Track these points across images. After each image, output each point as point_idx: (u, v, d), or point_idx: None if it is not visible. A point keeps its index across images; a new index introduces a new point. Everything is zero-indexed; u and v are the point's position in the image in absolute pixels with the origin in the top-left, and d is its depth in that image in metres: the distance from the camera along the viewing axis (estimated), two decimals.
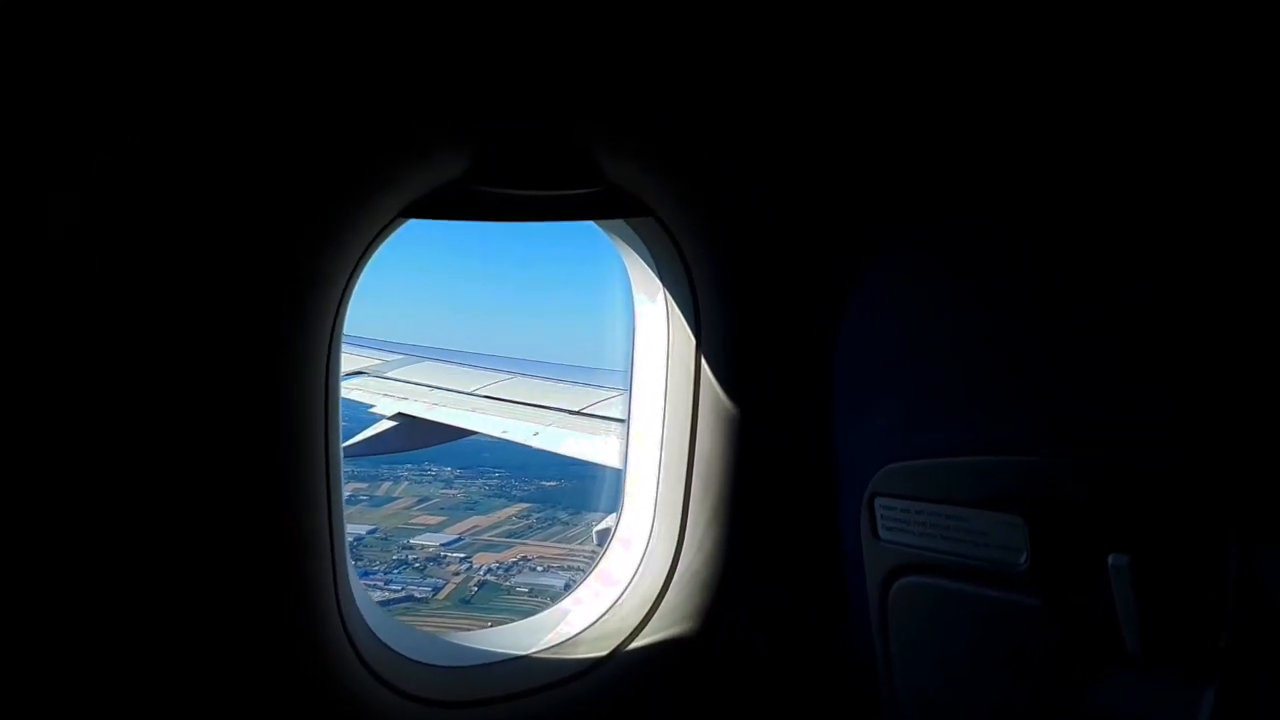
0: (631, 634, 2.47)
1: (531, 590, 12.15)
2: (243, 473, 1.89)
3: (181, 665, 1.90)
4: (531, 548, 13.08)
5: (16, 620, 1.76)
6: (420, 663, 2.35)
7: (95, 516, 1.78)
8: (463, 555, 12.96)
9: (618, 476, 2.68)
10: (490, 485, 14.46)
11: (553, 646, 2.49)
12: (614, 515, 2.73)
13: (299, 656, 2.04)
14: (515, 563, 12.89)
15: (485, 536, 13.57)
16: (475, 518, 13.96)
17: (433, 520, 13.80)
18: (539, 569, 12.78)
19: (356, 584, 2.29)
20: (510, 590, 12.23)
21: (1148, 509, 1.54)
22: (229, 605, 1.92)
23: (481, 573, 12.64)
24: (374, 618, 2.33)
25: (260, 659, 1.98)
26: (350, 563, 2.27)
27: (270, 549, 1.95)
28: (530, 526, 13.61)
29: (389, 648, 2.30)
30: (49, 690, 1.81)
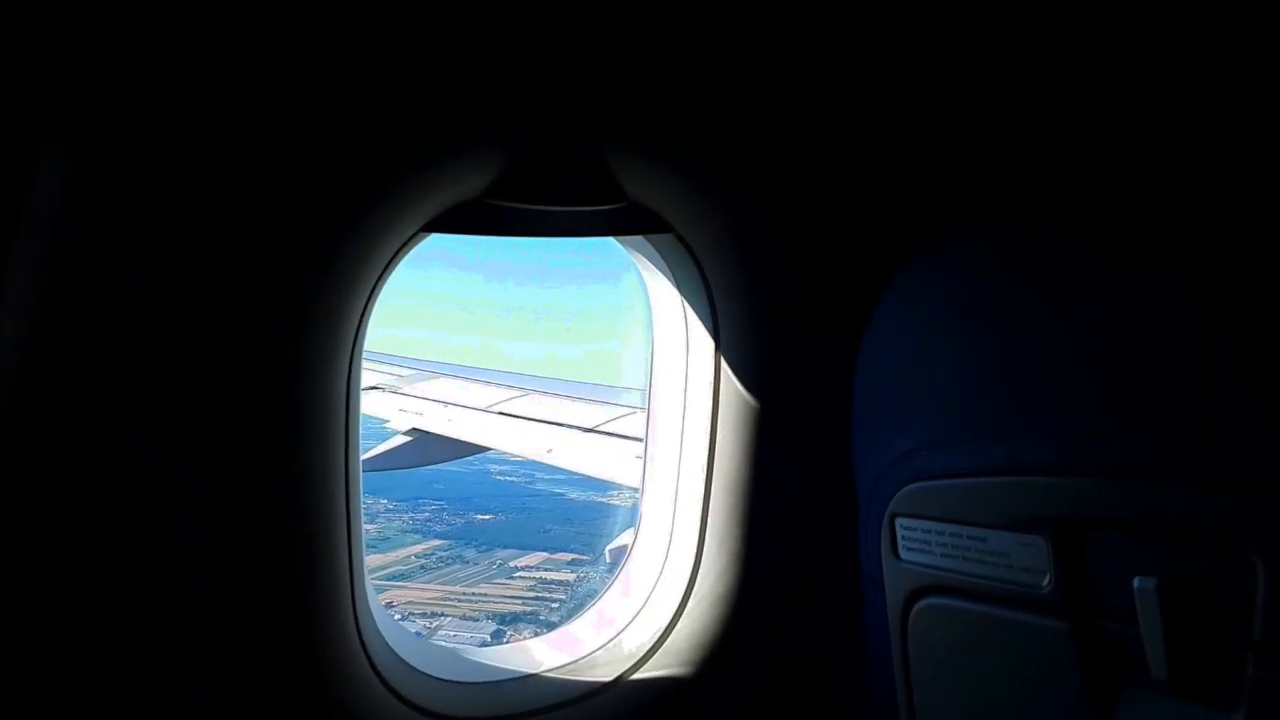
0: (640, 661, 2.45)
1: None
2: (263, 486, 1.90)
3: (197, 676, 1.90)
4: (407, 591, 12.14)
5: (31, 635, 1.77)
6: (434, 678, 2.35)
7: (114, 528, 1.79)
8: None
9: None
10: (417, 519, 13.35)
11: (562, 667, 2.47)
12: (630, 531, 2.72)
13: (315, 669, 2.03)
14: None
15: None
16: (371, 557, 13.31)
17: None
18: (396, 617, 12.21)
19: (374, 598, 2.29)
20: None
21: (1174, 532, 1.52)
22: (245, 616, 1.92)
23: None
24: (390, 632, 2.33)
25: (276, 671, 1.98)
26: (367, 576, 2.27)
27: (289, 561, 1.95)
28: (423, 567, 12.64)
29: (405, 662, 2.30)
30: (58, 700, 1.82)
